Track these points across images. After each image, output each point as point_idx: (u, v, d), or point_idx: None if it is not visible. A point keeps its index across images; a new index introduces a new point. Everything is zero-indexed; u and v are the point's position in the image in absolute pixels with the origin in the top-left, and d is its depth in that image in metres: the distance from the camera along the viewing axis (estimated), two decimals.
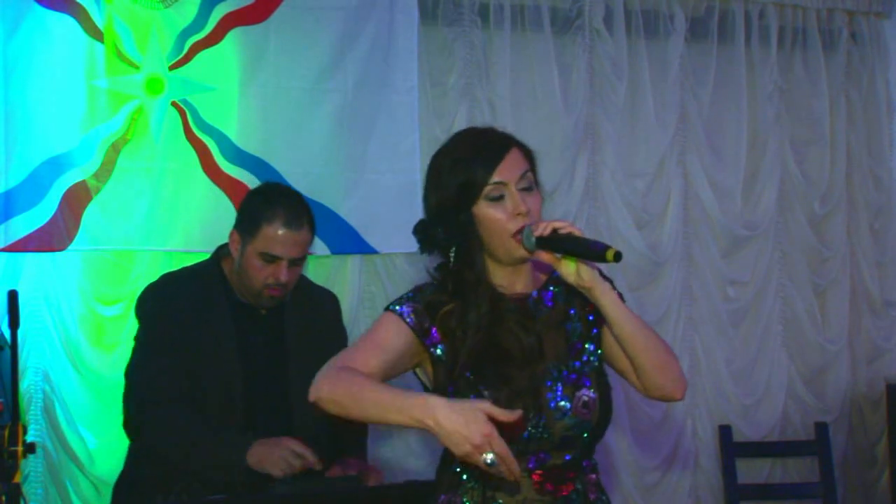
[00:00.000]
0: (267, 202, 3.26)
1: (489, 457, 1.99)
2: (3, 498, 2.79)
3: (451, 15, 4.59)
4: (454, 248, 2.30)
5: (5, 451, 2.80)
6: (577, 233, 2.22)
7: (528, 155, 2.36)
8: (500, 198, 2.28)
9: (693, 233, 4.96)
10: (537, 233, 2.24)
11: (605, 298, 2.28)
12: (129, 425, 3.28)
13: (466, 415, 1.99)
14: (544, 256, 2.26)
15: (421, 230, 2.34)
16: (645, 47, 4.87)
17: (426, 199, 2.34)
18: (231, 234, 3.32)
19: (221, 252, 3.38)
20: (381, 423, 2.11)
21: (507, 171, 2.29)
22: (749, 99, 5.05)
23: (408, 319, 2.28)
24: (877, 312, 5.23)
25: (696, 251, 4.96)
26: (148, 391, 3.21)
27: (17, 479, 2.83)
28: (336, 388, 2.14)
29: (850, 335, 5.18)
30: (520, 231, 2.27)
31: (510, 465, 2.02)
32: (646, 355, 2.30)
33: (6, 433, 2.81)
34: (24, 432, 2.85)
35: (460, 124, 4.54)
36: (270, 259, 3.21)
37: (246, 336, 3.30)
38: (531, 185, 2.31)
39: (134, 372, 3.28)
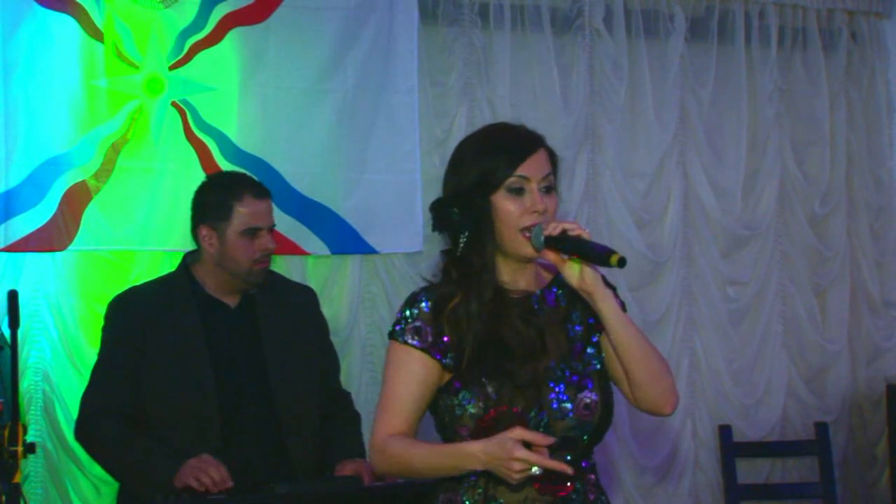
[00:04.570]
0: (227, 186, 3.40)
1: (535, 469, 2.13)
2: (3, 498, 2.79)
3: (451, 15, 4.59)
4: (466, 234, 2.32)
5: (5, 451, 2.80)
6: (585, 235, 2.25)
7: (553, 159, 2.41)
8: (520, 191, 2.31)
9: (693, 233, 4.95)
10: (547, 232, 2.26)
11: (605, 304, 2.29)
12: (74, 433, 3.44)
13: (501, 449, 2.14)
14: (550, 256, 2.28)
15: (437, 208, 2.36)
16: (645, 47, 4.87)
17: (445, 182, 2.37)
18: (200, 231, 3.38)
19: (189, 259, 3.45)
20: (439, 477, 2.34)
21: (532, 168, 2.33)
22: (749, 99, 5.04)
23: (413, 343, 2.29)
24: (877, 312, 5.22)
25: (696, 251, 4.96)
26: (90, 404, 3.33)
27: (17, 479, 2.83)
28: (391, 467, 2.34)
29: (850, 335, 5.17)
30: (529, 228, 2.28)
31: (556, 466, 2.15)
32: (640, 365, 2.32)
33: (6, 433, 2.81)
34: (24, 432, 2.85)
35: (460, 124, 4.55)
36: (253, 233, 3.32)
37: (217, 333, 3.34)
38: (552, 187, 2.37)
39: (87, 385, 3.40)
